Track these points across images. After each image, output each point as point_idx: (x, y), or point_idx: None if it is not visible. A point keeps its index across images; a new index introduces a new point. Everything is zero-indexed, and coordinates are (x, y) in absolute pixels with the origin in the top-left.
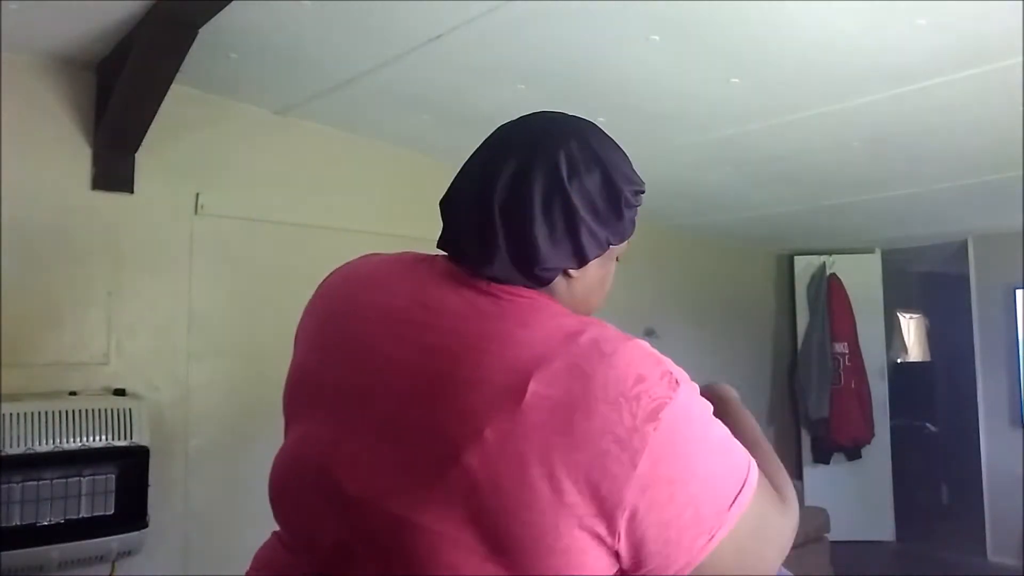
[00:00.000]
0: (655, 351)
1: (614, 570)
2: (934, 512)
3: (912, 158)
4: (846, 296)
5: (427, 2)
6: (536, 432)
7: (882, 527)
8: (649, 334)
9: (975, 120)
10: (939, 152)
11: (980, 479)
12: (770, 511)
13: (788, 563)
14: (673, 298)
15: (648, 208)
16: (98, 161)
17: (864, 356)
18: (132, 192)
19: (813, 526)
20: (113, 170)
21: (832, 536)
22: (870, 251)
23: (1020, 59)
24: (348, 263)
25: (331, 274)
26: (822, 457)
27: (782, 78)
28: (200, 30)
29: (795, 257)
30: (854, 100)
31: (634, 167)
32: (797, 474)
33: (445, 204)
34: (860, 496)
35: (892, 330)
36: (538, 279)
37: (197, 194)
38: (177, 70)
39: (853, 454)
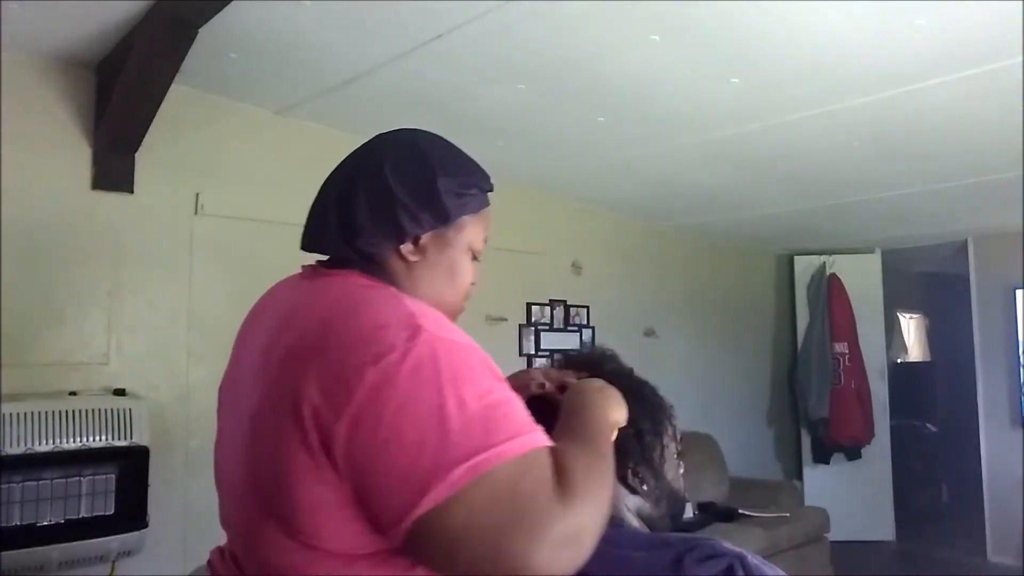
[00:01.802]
0: (412, 304)
1: (341, 490)
2: (934, 512)
3: (912, 158)
4: (846, 296)
5: (427, 2)
6: (286, 377)
7: (882, 527)
8: (649, 334)
9: (975, 120)
10: (939, 152)
11: (980, 479)
12: (533, 499)
13: (788, 563)
14: (673, 298)
15: (648, 208)
16: (98, 161)
17: (864, 356)
18: (132, 192)
19: (813, 526)
20: (113, 170)
21: (832, 536)
22: (870, 251)
23: (1020, 59)
24: (269, 290)
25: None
26: (822, 457)
27: (782, 78)
28: (200, 30)
29: (795, 257)
30: (854, 100)
31: (470, 170)
32: (797, 474)
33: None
34: (860, 496)
35: (892, 330)
36: (363, 253)
37: (197, 194)
38: (177, 70)
39: (853, 454)
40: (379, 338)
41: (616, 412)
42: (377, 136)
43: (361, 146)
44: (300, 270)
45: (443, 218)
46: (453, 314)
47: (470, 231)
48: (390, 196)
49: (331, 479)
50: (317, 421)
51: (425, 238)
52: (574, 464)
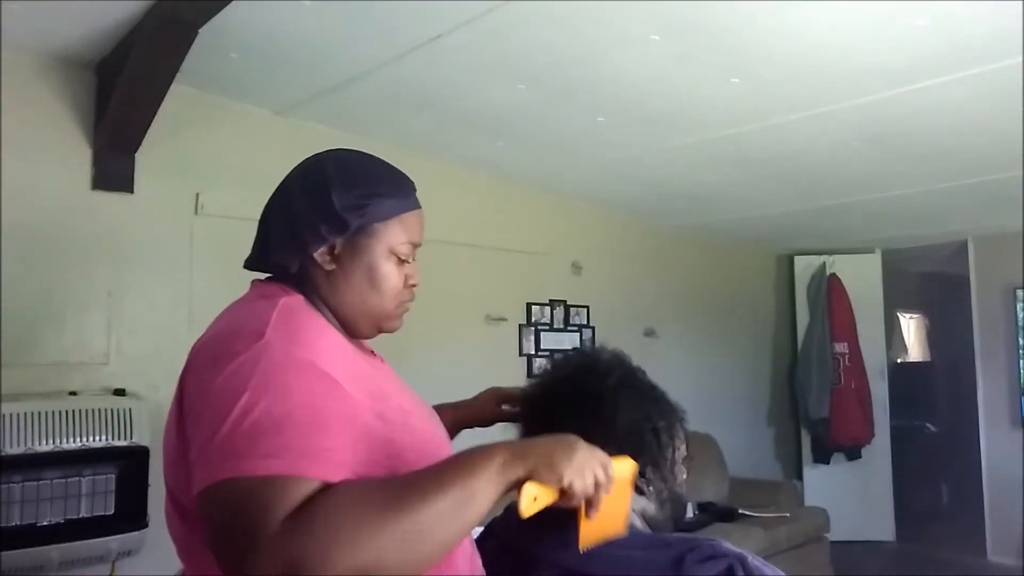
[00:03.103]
0: (289, 321)
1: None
2: (934, 512)
3: (912, 158)
4: (846, 296)
5: (427, 2)
6: (188, 379)
7: (882, 527)
8: (649, 334)
9: (975, 120)
10: (939, 152)
11: (980, 479)
12: (255, 509)
13: (788, 563)
14: (673, 298)
15: (648, 208)
16: (98, 161)
17: (864, 356)
18: (132, 192)
19: (813, 526)
20: (113, 170)
21: (832, 536)
22: (870, 251)
23: (1020, 59)
24: None
25: None
26: (822, 457)
27: (782, 78)
28: (200, 30)
29: (795, 257)
30: (854, 100)
31: (372, 181)
32: (797, 474)
33: None
34: (860, 496)
35: (892, 330)
36: (278, 267)
37: (197, 194)
38: (177, 70)
39: (853, 454)
40: (231, 340)
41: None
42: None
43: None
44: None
45: (341, 228)
46: (384, 318)
47: (386, 236)
48: (291, 211)
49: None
50: (183, 400)
51: (339, 247)
52: (342, 501)
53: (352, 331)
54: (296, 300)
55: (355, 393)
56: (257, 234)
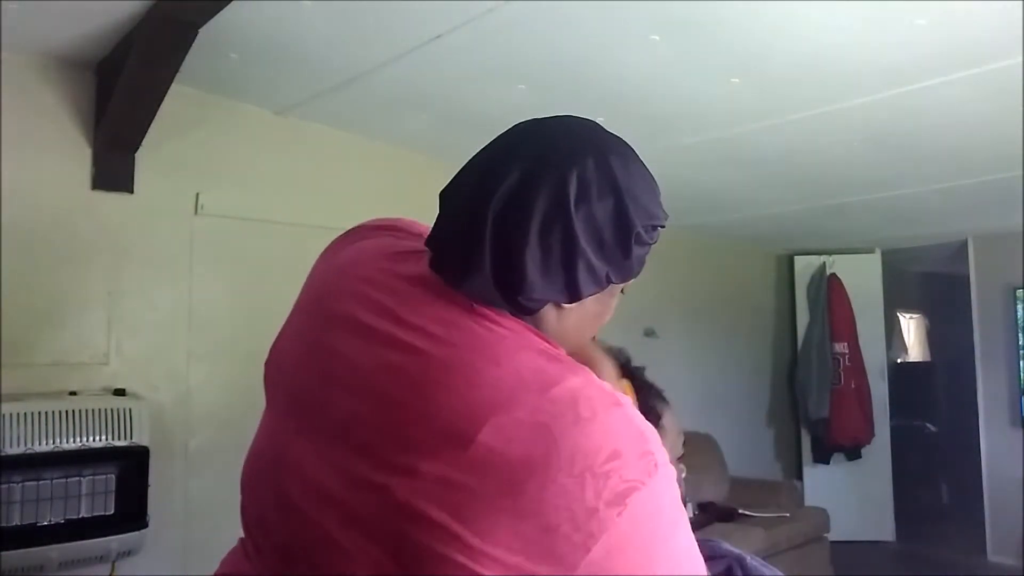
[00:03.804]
0: (641, 422)
1: None
2: (934, 512)
3: (912, 158)
4: (846, 296)
5: (427, 2)
6: (478, 486)
7: (882, 527)
8: (649, 334)
9: (975, 120)
10: (939, 152)
11: (980, 479)
12: None
13: (788, 563)
14: (673, 298)
15: None
16: (98, 161)
17: (864, 356)
18: (132, 192)
19: (813, 526)
20: (113, 170)
21: (832, 536)
22: (870, 251)
23: (1020, 59)
24: (346, 239)
25: (334, 243)
26: (822, 457)
27: (782, 78)
28: (200, 30)
29: (795, 257)
30: (854, 100)
31: (655, 199)
32: (797, 474)
33: (443, 198)
34: (860, 496)
35: (892, 330)
36: (521, 307)
37: (197, 194)
38: (177, 70)
39: (853, 454)
40: (618, 471)
41: None
42: (559, 137)
43: (518, 145)
44: (417, 262)
45: (627, 275)
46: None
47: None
48: (574, 249)
49: None
50: (529, 561)
51: None
52: None
53: None
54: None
55: None
56: (476, 249)
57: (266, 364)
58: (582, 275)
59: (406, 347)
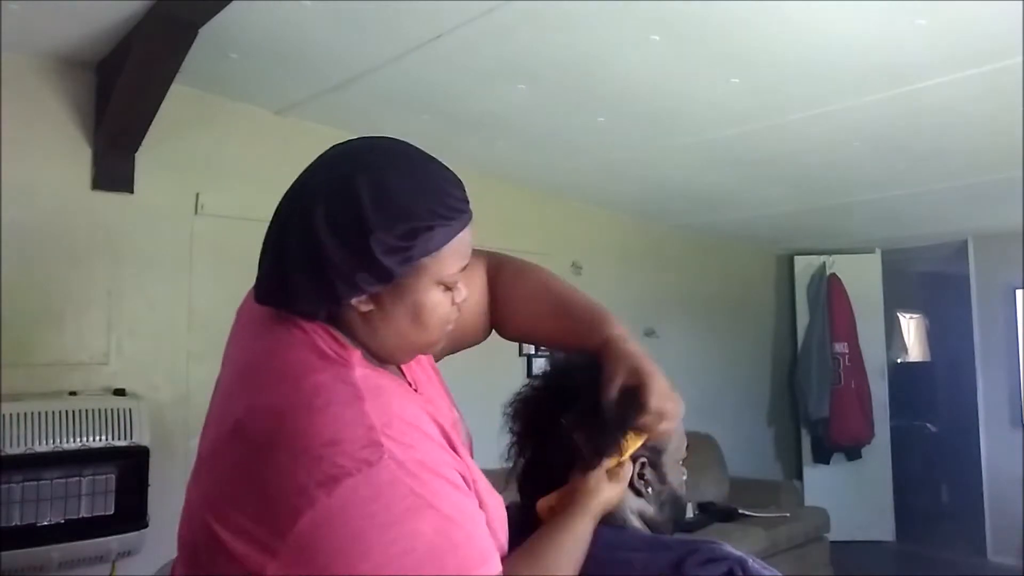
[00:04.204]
0: (380, 419)
1: None
2: (934, 512)
3: (912, 158)
4: (846, 296)
5: (427, 2)
6: (227, 457)
7: (882, 527)
8: (649, 334)
9: (975, 120)
10: (939, 152)
11: (980, 479)
12: None
13: (788, 563)
14: (673, 298)
15: (648, 208)
16: (98, 161)
17: (864, 356)
18: (132, 192)
19: (813, 526)
20: (113, 170)
21: (832, 536)
22: (870, 251)
23: (1020, 59)
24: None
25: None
26: (822, 457)
27: (782, 78)
28: (200, 30)
29: (795, 257)
30: (854, 100)
31: (422, 203)
32: (797, 474)
33: None
34: (860, 496)
35: (892, 330)
36: (303, 314)
37: (197, 194)
38: (177, 70)
39: (853, 454)
40: (332, 456)
41: (606, 494)
42: (320, 159)
43: (305, 171)
44: None
45: (384, 278)
46: (427, 347)
47: (435, 268)
48: (321, 256)
49: None
50: (253, 526)
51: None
52: None
53: (387, 362)
54: (367, 370)
55: (454, 469)
56: (269, 268)
57: None
58: (335, 278)
59: (239, 352)
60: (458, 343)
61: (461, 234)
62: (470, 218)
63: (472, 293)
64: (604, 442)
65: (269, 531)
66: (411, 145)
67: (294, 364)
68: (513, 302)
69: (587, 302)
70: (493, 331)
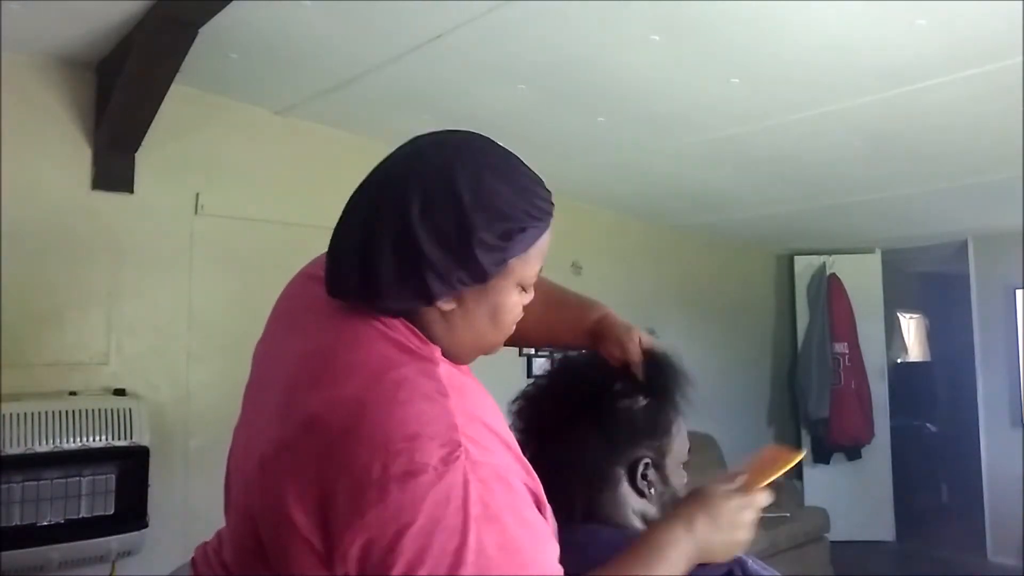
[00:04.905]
0: (462, 419)
1: None
2: (934, 512)
3: (912, 158)
4: (846, 296)
5: (427, 2)
6: (301, 452)
7: (882, 527)
8: (649, 334)
9: (975, 120)
10: (939, 152)
11: (980, 479)
12: None
13: (788, 563)
14: (673, 298)
15: (648, 208)
16: (98, 161)
17: (864, 356)
18: (132, 192)
19: (813, 526)
20: (113, 170)
21: (832, 536)
22: (870, 251)
23: (1020, 59)
24: (307, 267)
25: (296, 275)
26: (822, 457)
27: (782, 78)
28: (200, 30)
29: (795, 257)
30: (854, 100)
31: (518, 207)
32: (797, 474)
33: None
34: (860, 496)
35: (892, 330)
36: (386, 311)
37: (197, 194)
38: (177, 70)
39: (853, 454)
40: (410, 451)
41: (728, 547)
42: (408, 150)
43: (390, 161)
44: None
45: (480, 278)
46: (493, 349)
47: (518, 271)
48: (417, 253)
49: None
50: (322, 520)
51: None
52: None
53: (453, 360)
54: (448, 367)
55: (524, 482)
56: (350, 259)
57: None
58: (431, 281)
59: (307, 339)
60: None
61: (545, 235)
62: (552, 218)
63: None
64: (662, 419)
65: (343, 522)
66: (495, 142)
67: (376, 358)
68: None
69: (575, 293)
70: None
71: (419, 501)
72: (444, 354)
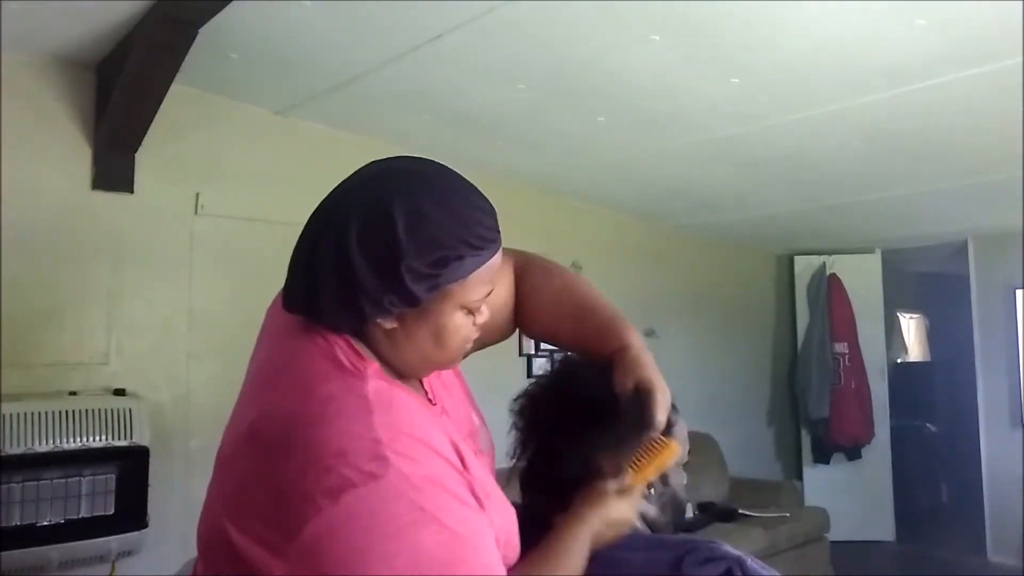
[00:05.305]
0: (387, 433)
1: None
2: (934, 512)
3: (912, 158)
4: (846, 296)
5: (427, 2)
6: (238, 464)
7: (882, 527)
8: (649, 334)
9: (975, 120)
10: (939, 152)
11: (980, 479)
12: None
13: (788, 563)
14: (673, 298)
15: (648, 208)
16: (98, 161)
17: (864, 356)
18: (132, 192)
19: (813, 526)
20: (113, 170)
21: (832, 536)
22: (870, 251)
23: (1020, 59)
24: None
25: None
26: (822, 457)
27: (782, 78)
28: (200, 30)
29: (795, 257)
30: (854, 100)
31: (455, 232)
32: (797, 474)
33: None
34: (860, 496)
35: (892, 330)
36: (333, 328)
37: (197, 194)
38: (177, 70)
39: (853, 454)
40: (338, 467)
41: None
42: (358, 176)
43: (342, 185)
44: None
45: (410, 303)
46: (446, 365)
47: (460, 295)
48: (351, 276)
49: None
50: (259, 538)
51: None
52: None
53: (407, 376)
54: (382, 383)
55: (462, 485)
56: (298, 279)
57: None
58: (362, 298)
59: (264, 354)
60: (483, 341)
61: (489, 262)
62: (499, 247)
63: (499, 291)
64: (621, 455)
65: (279, 535)
66: (448, 169)
67: (310, 372)
68: (537, 302)
69: (609, 309)
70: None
71: (352, 515)
72: (395, 370)
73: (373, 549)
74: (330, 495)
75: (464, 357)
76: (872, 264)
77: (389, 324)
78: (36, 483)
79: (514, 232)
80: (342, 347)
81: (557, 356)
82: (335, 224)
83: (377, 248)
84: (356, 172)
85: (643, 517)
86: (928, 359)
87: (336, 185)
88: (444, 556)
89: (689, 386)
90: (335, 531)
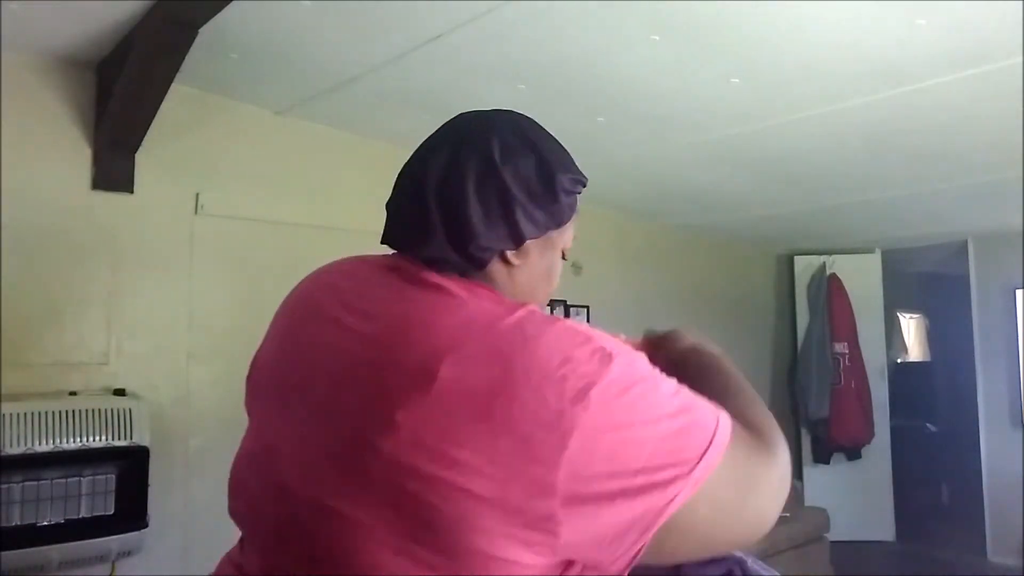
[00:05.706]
0: (585, 328)
1: (550, 561)
2: (934, 512)
3: (912, 158)
4: (846, 296)
5: (427, 2)
6: (449, 419)
7: (882, 527)
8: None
9: (975, 120)
10: (939, 152)
11: (980, 479)
12: (750, 463)
13: (788, 563)
14: (673, 298)
15: (648, 208)
16: (98, 161)
17: (864, 356)
18: (132, 192)
19: (813, 526)
20: (113, 170)
21: (832, 536)
22: (870, 251)
23: (1020, 59)
24: (323, 268)
25: (307, 277)
26: (822, 457)
27: (782, 78)
28: (200, 30)
29: (795, 257)
30: (854, 100)
31: (572, 161)
32: (797, 474)
33: (389, 203)
34: (860, 496)
35: (892, 330)
36: (473, 259)
37: (197, 194)
38: (177, 70)
39: (853, 454)
40: (571, 373)
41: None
42: (464, 120)
43: (447, 131)
44: (384, 258)
45: (559, 220)
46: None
47: (569, 231)
48: (507, 196)
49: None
50: (502, 480)
51: (530, 241)
52: (755, 418)
53: None
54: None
55: None
56: (425, 215)
57: (248, 380)
58: (521, 220)
59: (373, 318)
60: None
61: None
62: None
63: None
64: None
65: (543, 469)
66: None
67: (484, 314)
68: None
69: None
70: None
71: (608, 408)
72: None
73: (637, 418)
74: (579, 400)
75: None
76: (872, 264)
77: (517, 259)
78: (36, 483)
79: None
80: (487, 294)
81: None
82: (473, 160)
83: (524, 167)
84: (452, 121)
85: None
86: (928, 359)
87: (431, 136)
88: (687, 395)
89: None
90: (598, 430)
